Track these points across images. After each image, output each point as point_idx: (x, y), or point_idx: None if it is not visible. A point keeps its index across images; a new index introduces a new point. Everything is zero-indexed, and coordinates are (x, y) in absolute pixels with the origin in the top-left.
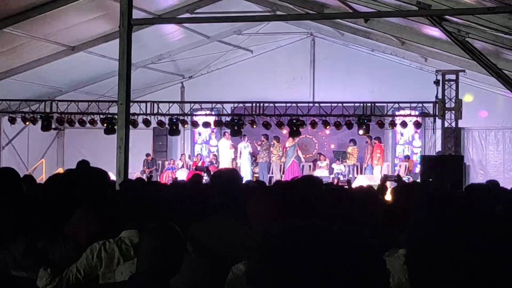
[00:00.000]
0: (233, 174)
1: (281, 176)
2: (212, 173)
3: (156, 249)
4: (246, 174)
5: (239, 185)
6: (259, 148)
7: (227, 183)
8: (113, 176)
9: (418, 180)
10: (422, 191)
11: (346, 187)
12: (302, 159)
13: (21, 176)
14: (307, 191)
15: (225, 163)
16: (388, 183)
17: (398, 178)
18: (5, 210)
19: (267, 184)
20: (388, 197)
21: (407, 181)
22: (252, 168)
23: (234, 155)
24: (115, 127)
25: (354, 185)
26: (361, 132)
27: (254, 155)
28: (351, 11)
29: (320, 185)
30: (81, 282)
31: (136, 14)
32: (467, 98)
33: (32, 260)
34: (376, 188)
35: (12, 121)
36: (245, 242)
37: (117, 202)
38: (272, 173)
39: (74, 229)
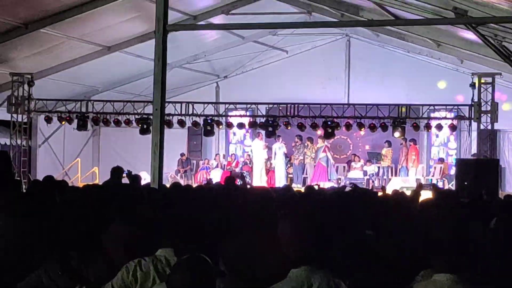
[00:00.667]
0: (264, 194)
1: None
2: (245, 176)
3: (188, 284)
4: (280, 176)
5: (271, 205)
6: (293, 149)
7: (259, 204)
8: (147, 176)
9: (453, 183)
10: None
11: (380, 193)
12: (332, 161)
13: (57, 176)
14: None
15: (258, 163)
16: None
17: (433, 188)
18: (40, 227)
19: (301, 185)
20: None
21: (441, 184)
22: (286, 169)
23: (267, 156)
24: (150, 127)
25: (389, 187)
26: (396, 134)
27: (288, 156)
28: (386, 13)
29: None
30: None
31: (172, 15)
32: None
33: (67, 279)
34: (409, 193)
35: (48, 120)
36: (277, 261)
37: (152, 218)
38: (306, 174)
39: (109, 245)
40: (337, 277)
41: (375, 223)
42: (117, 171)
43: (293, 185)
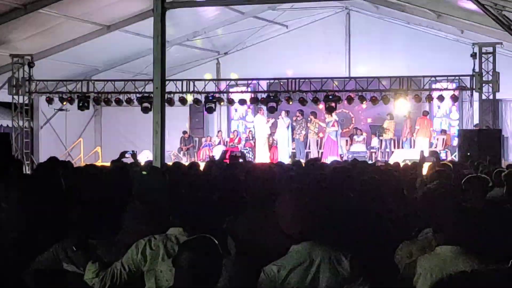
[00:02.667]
0: (267, 172)
1: (318, 152)
2: (245, 155)
3: (194, 264)
4: (283, 151)
5: (273, 183)
6: (294, 123)
7: (261, 182)
8: (150, 154)
9: (456, 154)
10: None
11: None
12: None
13: (60, 156)
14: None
15: (261, 139)
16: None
17: (436, 158)
18: (58, 206)
19: (303, 160)
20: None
21: (444, 155)
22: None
23: (270, 131)
24: (152, 105)
25: (391, 159)
26: (398, 107)
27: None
28: None
29: (352, 178)
30: (125, 278)
31: None
32: None
33: (82, 255)
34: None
35: (49, 101)
36: (281, 239)
37: (161, 200)
38: (309, 149)
39: (128, 227)
40: (337, 252)
41: (372, 197)
42: (119, 160)
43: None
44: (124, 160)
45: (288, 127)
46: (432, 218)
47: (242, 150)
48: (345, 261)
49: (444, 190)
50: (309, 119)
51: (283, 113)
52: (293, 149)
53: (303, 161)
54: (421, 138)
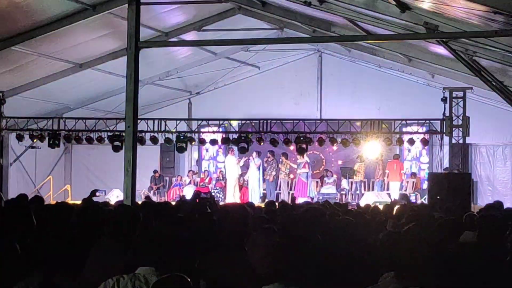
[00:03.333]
0: (240, 211)
1: (289, 193)
2: (216, 199)
3: None
4: (253, 191)
5: (245, 222)
6: (265, 164)
7: (234, 221)
8: (120, 193)
9: (426, 197)
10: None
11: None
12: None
13: (30, 194)
14: (309, 229)
15: (232, 179)
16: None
17: (406, 200)
18: (21, 242)
19: (274, 200)
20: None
21: (414, 199)
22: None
23: (241, 171)
24: (123, 144)
25: (362, 201)
26: (369, 150)
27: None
28: (358, 29)
29: (323, 219)
30: None
31: (144, 32)
32: None
33: None
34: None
35: (19, 138)
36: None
37: (133, 237)
38: (279, 189)
39: (93, 264)
40: None
41: (343, 240)
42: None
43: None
44: (95, 199)
45: (259, 168)
46: (398, 261)
47: (211, 192)
48: None
49: (418, 233)
50: (280, 160)
51: (254, 153)
52: (264, 189)
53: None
54: (392, 182)
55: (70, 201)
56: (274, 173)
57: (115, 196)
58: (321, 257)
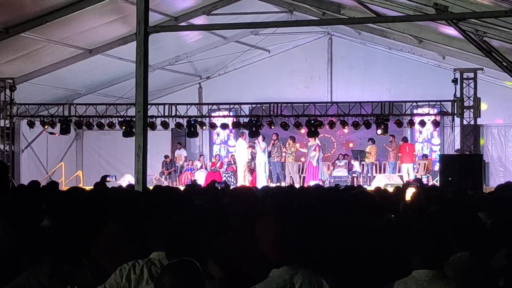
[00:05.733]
0: (248, 194)
1: (300, 177)
2: (230, 178)
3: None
4: (260, 175)
5: (254, 204)
6: (270, 148)
7: (243, 204)
8: (131, 178)
9: (438, 179)
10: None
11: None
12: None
13: (42, 180)
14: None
15: (242, 164)
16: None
17: (420, 184)
18: (30, 230)
19: (276, 182)
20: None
21: (425, 180)
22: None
23: (251, 156)
24: (133, 129)
25: (373, 184)
26: (379, 131)
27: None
28: (367, 11)
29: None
30: None
31: (153, 17)
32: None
33: (57, 282)
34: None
35: (31, 125)
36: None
37: (143, 223)
38: (286, 172)
39: (102, 250)
40: (318, 276)
41: (354, 223)
42: (100, 184)
43: (272, 184)
44: (107, 184)
45: (264, 151)
46: (411, 243)
47: (225, 181)
48: (326, 285)
49: (424, 217)
50: (288, 142)
51: (259, 138)
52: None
53: (283, 184)
54: (405, 164)
55: (82, 186)
56: (279, 154)
57: (126, 181)
58: (333, 238)
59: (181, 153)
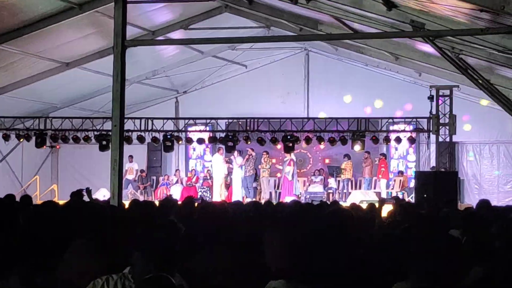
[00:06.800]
0: (219, 208)
1: (276, 192)
2: (206, 192)
3: None
4: (236, 190)
5: (225, 217)
6: (243, 162)
7: (213, 218)
8: (107, 193)
9: (413, 195)
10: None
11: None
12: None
13: (16, 194)
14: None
15: (218, 178)
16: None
17: (396, 200)
18: (3, 240)
19: (251, 196)
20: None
21: (401, 196)
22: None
23: (227, 171)
24: (110, 143)
25: (349, 200)
26: (356, 147)
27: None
28: (345, 27)
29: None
30: None
31: (131, 30)
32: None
33: None
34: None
35: (6, 138)
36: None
37: (115, 236)
38: (259, 186)
39: (73, 264)
40: None
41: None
42: (77, 195)
43: (247, 199)
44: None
45: (241, 166)
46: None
47: (201, 196)
48: None
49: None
50: (263, 157)
51: (235, 153)
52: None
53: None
54: (383, 180)
55: (57, 200)
56: (252, 169)
57: (101, 195)
58: (327, 257)
59: (133, 166)
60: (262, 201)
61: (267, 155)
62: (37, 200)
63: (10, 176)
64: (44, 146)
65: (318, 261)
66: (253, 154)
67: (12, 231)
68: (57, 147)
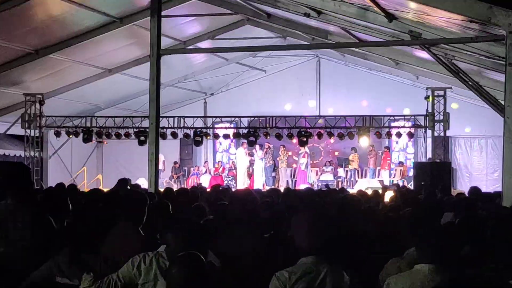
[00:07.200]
0: (246, 195)
1: (292, 180)
2: (231, 181)
3: (183, 278)
4: (257, 180)
5: (253, 204)
6: (263, 155)
7: (241, 203)
8: (145, 182)
9: (412, 183)
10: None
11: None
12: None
13: (66, 183)
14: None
15: (242, 169)
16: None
17: (397, 187)
18: (53, 224)
19: (270, 184)
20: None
21: (401, 184)
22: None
23: (249, 163)
24: (147, 139)
25: (356, 187)
26: (362, 141)
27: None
28: (351, 37)
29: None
30: None
31: (165, 41)
32: (453, 106)
33: (76, 269)
34: (372, 192)
35: (57, 134)
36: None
37: (152, 219)
38: (278, 175)
39: (115, 243)
40: (339, 267)
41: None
42: (123, 182)
43: (267, 187)
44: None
45: (261, 159)
46: (414, 238)
47: (228, 184)
48: (346, 276)
49: (422, 213)
50: (280, 150)
51: (257, 146)
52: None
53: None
54: (384, 170)
55: (101, 188)
56: (271, 160)
57: (140, 183)
58: (348, 236)
59: (160, 157)
60: (281, 188)
61: (284, 148)
62: (85, 188)
63: (61, 167)
64: (94, 141)
65: (337, 238)
66: (271, 146)
67: (63, 215)
68: (105, 142)
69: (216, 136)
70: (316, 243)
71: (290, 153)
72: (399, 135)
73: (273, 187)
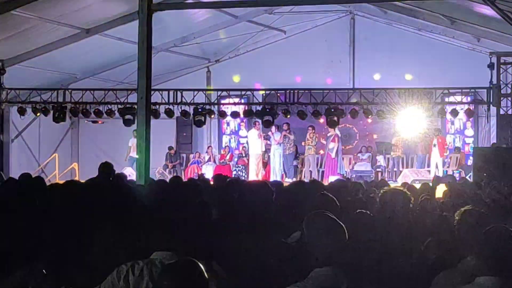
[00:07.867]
0: (261, 192)
1: (319, 171)
2: (241, 171)
3: None
4: (274, 169)
5: (267, 203)
6: (281, 140)
7: (254, 203)
8: (132, 172)
9: (471, 174)
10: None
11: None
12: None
13: (33, 173)
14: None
15: (255, 156)
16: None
17: (452, 180)
18: (27, 227)
19: (291, 175)
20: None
21: (457, 176)
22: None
23: (264, 148)
24: (135, 118)
25: (399, 180)
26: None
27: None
28: None
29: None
30: None
31: None
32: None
33: (52, 282)
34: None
35: (21, 112)
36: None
37: (145, 220)
38: (301, 164)
39: (98, 250)
40: (358, 280)
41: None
42: (106, 168)
43: (287, 179)
44: None
45: (279, 143)
46: (473, 246)
47: (236, 175)
48: None
49: (484, 216)
50: (308, 133)
51: (273, 128)
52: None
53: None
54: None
55: (78, 179)
56: (292, 146)
57: (127, 174)
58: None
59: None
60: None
61: (313, 131)
62: (57, 179)
63: (26, 153)
64: (67, 120)
65: (363, 247)
66: (290, 135)
67: (30, 215)
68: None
69: (222, 115)
70: (331, 249)
71: (317, 136)
72: (455, 113)
73: (294, 179)
